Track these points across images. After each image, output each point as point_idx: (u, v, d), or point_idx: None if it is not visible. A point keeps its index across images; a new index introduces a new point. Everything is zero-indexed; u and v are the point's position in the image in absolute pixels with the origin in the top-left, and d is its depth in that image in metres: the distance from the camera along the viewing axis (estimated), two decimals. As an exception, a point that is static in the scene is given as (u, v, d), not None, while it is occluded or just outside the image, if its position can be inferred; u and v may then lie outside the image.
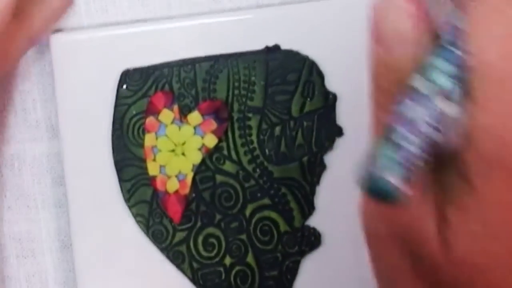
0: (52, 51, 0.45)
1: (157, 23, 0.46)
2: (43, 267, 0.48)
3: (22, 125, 0.48)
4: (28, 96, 0.48)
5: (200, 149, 0.45)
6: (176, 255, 0.45)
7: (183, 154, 0.45)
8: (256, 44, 0.45)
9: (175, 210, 0.44)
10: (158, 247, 0.45)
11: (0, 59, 0.43)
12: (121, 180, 0.45)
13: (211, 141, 0.45)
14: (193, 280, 0.45)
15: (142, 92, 0.45)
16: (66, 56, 0.45)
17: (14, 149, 0.48)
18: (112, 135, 0.45)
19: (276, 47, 0.45)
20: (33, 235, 0.48)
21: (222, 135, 0.45)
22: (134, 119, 0.45)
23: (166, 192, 0.44)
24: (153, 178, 0.45)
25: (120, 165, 0.45)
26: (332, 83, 0.45)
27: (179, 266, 0.45)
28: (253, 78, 0.45)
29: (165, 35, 0.45)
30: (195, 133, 0.45)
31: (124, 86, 0.45)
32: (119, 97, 0.45)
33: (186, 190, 0.44)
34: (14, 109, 0.48)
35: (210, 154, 0.45)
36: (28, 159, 0.48)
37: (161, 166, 0.45)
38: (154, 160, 0.45)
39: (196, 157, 0.45)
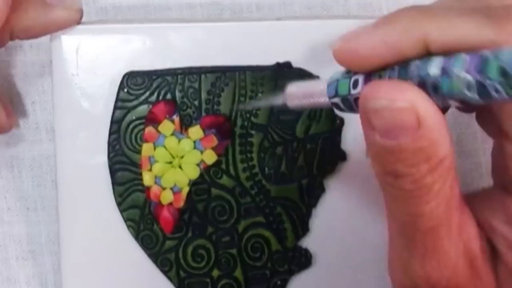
0: (52, 46, 0.44)
1: (164, 25, 0.45)
2: (43, 269, 0.49)
3: (22, 127, 0.49)
4: (27, 98, 0.49)
5: (198, 165, 0.44)
6: (164, 262, 0.45)
7: (180, 167, 0.44)
8: (267, 59, 0.44)
9: (167, 221, 0.44)
10: (146, 252, 0.45)
11: None
12: (114, 183, 0.45)
13: (210, 157, 0.44)
14: (179, 287, 0.45)
15: (144, 97, 0.44)
16: (67, 50, 0.44)
17: (14, 151, 0.49)
18: (109, 138, 0.44)
19: (287, 64, 0.44)
20: (33, 237, 0.49)
21: (222, 153, 0.44)
22: (133, 124, 0.44)
23: (160, 203, 0.44)
24: (147, 188, 0.44)
25: (115, 168, 0.45)
26: (340, 107, 0.45)
27: (166, 273, 0.45)
28: (260, 95, 0.44)
29: (172, 39, 0.44)
30: (194, 147, 0.44)
31: (125, 90, 0.44)
32: (119, 100, 0.44)
33: (180, 204, 0.44)
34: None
35: (208, 169, 0.44)
36: (27, 161, 0.49)
37: (156, 177, 0.44)
38: (150, 170, 0.44)
39: (194, 172, 0.44)
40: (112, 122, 0.44)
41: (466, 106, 0.29)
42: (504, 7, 0.29)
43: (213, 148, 0.44)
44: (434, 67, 0.29)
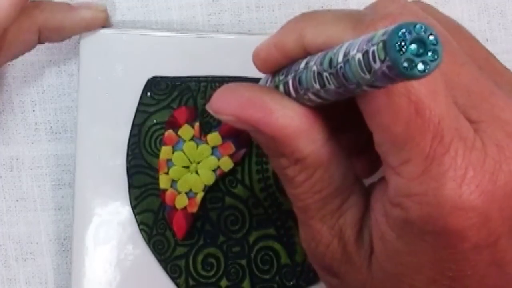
0: (81, 47, 0.50)
1: (191, 34, 0.50)
2: (43, 269, 0.53)
3: (21, 127, 0.53)
4: (27, 98, 0.53)
5: (214, 171, 0.49)
6: (173, 269, 0.50)
7: (196, 172, 0.49)
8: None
9: (180, 226, 0.49)
10: (157, 258, 0.50)
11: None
12: (131, 186, 0.50)
13: (227, 164, 0.49)
14: (187, 296, 0.50)
15: (166, 103, 0.49)
16: (95, 52, 0.50)
17: (13, 151, 0.53)
18: (129, 140, 0.50)
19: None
20: (32, 237, 0.53)
21: (239, 161, 0.49)
22: (153, 128, 0.49)
23: (174, 207, 0.49)
24: (163, 191, 0.49)
25: (132, 171, 0.50)
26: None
27: (175, 280, 0.50)
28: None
29: (197, 49, 0.50)
30: (212, 153, 0.49)
31: (149, 94, 0.49)
32: (142, 103, 0.49)
33: (194, 209, 0.49)
34: (13, 111, 0.53)
35: (223, 176, 0.49)
36: (27, 162, 0.53)
37: (172, 181, 0.49)
38: (167, 173, 0.49)
39: (209, 178, 0.49)
40: (133, 125, 0.49)
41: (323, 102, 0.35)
42: (373, 17, 0.34)
43: (230, 156, 0.49)
44: (303, 63, 0.36)
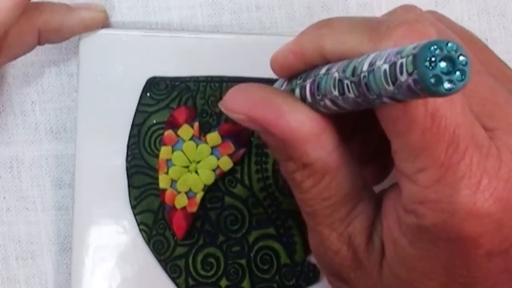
0: (80, 48, 0.50)
1: (190, 35, 0.51)
2: (43, 269, 0.54)
3: (21, 127, 0.54)
4: (27, 98, 0.54)
5: (214, 170, 0.50)
6: (173, 269, 0.50)
7: (196, 172, 0.49)
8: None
9: (179, 225, 0.50)
10: (157, 258, 0.50)
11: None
12: (130, 186, 0.50)
13: (226, 164, 0.50)
14: (187, 295, 0.50)
15: (165, 103, 0.50)
16: (94, 52, 0.50)
17: (13, 151, 0.54)
18: (129, 141, 0.50)
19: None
20: (32, 237, 0.54)
21: (238, 160, 0.50)
22: (153, 128, 0.50)
23: (174, 207, 0.50)
24: (163, 191, 0.50)
25: (132, 171, 0.50)
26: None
27: (174, 279, 0.50)
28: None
29: (196, 49, 0.50)
30: (211, 153, 0.50)
31: (148, 94, 0.50)
32: (141, 103, 0.50)
33: (194, 208, 0.50)
34: (13, 111, 0.53)
35: (223, 176, 0.50)
36: (27, 162, 0.54)
37: (172, 181, 0.50)
38: (167, 173, 0.50)
39: (209, 178, 0.50)
40: (132, 125, 0.50)
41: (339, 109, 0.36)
42: (388, 25, 0.35)
43: (230, 155, 0.50)
44: (324, 69, 0.36)
